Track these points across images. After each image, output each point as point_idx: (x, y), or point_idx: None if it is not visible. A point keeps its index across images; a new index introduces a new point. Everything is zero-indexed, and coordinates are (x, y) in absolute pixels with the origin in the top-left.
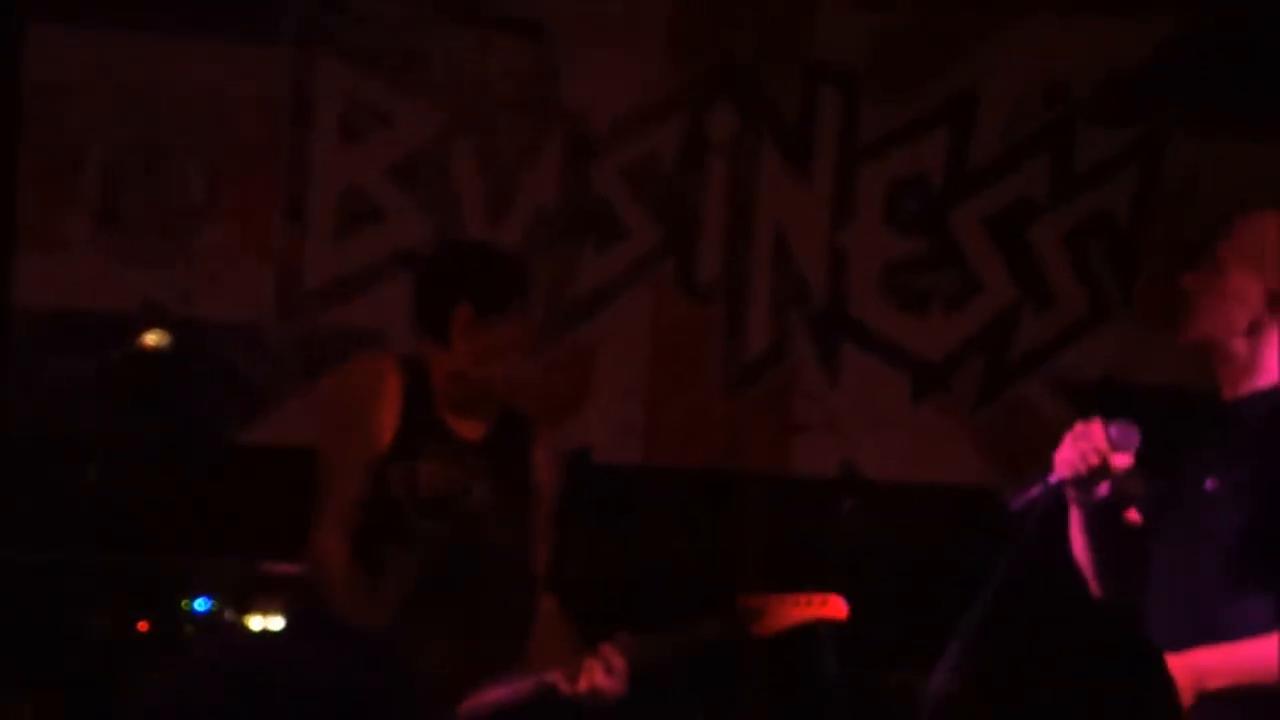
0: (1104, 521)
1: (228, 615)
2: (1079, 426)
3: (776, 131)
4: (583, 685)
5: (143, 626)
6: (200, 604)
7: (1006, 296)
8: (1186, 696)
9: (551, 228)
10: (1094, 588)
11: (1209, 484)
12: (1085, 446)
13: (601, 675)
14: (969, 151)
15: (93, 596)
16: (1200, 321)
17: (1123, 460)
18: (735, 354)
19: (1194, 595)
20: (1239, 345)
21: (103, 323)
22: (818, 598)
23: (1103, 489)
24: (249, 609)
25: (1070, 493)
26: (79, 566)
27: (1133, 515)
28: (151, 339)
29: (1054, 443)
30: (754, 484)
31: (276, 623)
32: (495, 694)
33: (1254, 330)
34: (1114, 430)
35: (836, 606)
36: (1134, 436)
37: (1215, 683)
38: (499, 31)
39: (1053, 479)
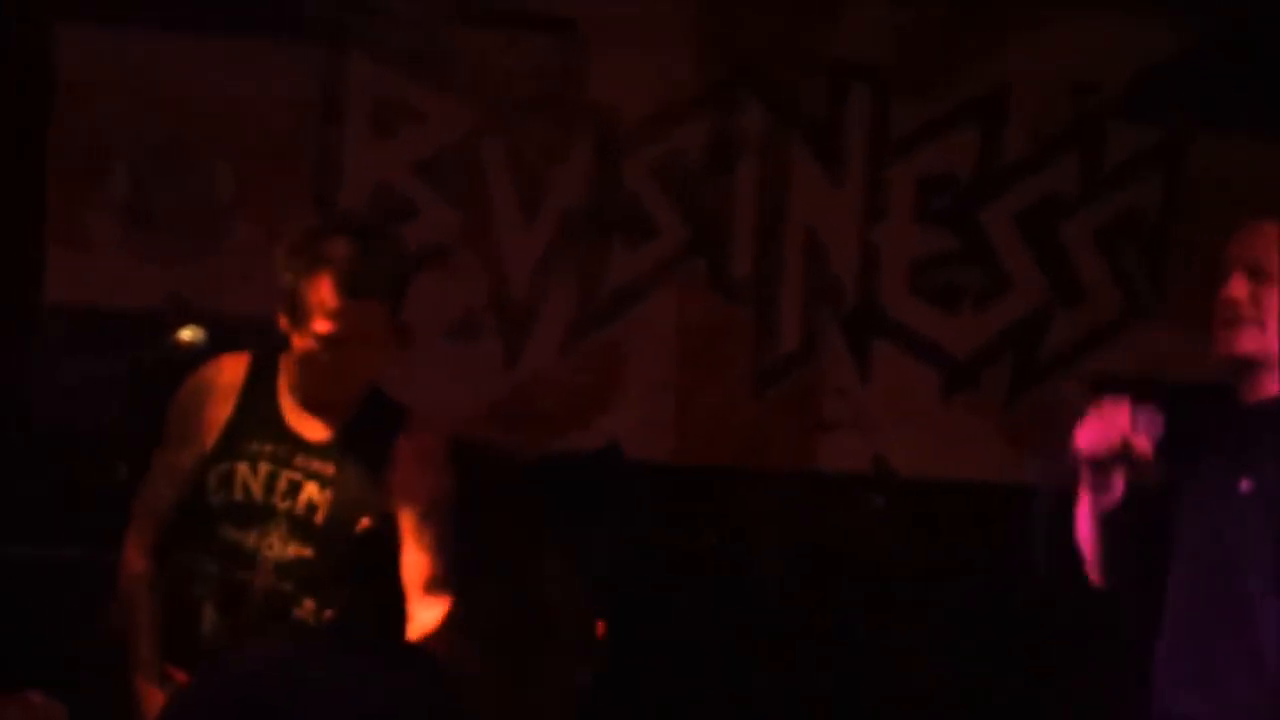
0: (1113, 507)
1: None
2: (1106, 405)
3: (806, 129)
4: None
5: None
6: None
7: (1037, 294)
8: None
9: (581, 225)
10: (1093, 573)
11: (1244, 485)
12: (1109, 426)
13: None
14: (999, 148)
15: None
16: (1257, 335)
17: (1143, 444)
18: (765, 351)
19: (1230, 596)
20: None
21: (131, 320)
22: None
23: (1118, 472)
24: None
25: (1085, 472)
26: (108, 564)
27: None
28: (182, 335)
29: None
30: (783, 481)
31: None
32: None
33: None
34: (1140, 415)
35: None
36: (1158, 424)
37: None
38: (528, 29)
39: (1073, 456)
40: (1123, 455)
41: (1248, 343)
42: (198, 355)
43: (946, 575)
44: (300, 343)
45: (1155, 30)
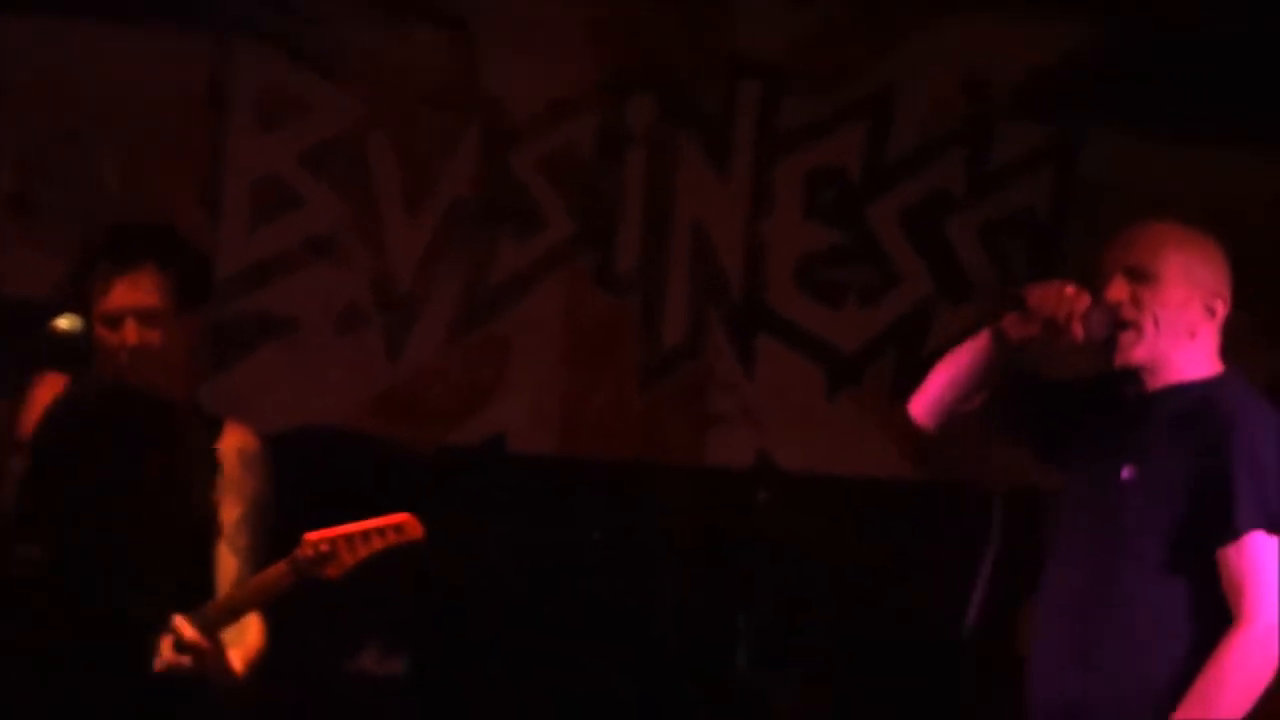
0: (1004, 362)
1: None
2: (1075, 286)
3: (696, 124)
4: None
5: None
6: None
7: (923, 290)
8: None
9: (468, 217)
10: (935, 401)
11: (1125, 473)
12: (1066, 300)
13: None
14: (888, 146)
15: None
16: (1153, 340)
17: (1077, 332)
18: (651, 345)
19: (1106, 579)
20: (1177, 354)
21: (18, 309)
22: (389, 524)
23: (1034, 332)
24: None
25: (1010, 317)
26: None
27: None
28: (59, 324)
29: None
30: (669, 475)
31: None
32: None
33: (1191, 337)
34: (1095, 311)
35: (412, 528)
36: (1102, 327)
37: None
38: (420, 21)
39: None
40: (1059, 331)
41: (1141, 350)
42: (76, 343)
43: (832, 570)
44: (98, 336)
45: (1047, 31)
